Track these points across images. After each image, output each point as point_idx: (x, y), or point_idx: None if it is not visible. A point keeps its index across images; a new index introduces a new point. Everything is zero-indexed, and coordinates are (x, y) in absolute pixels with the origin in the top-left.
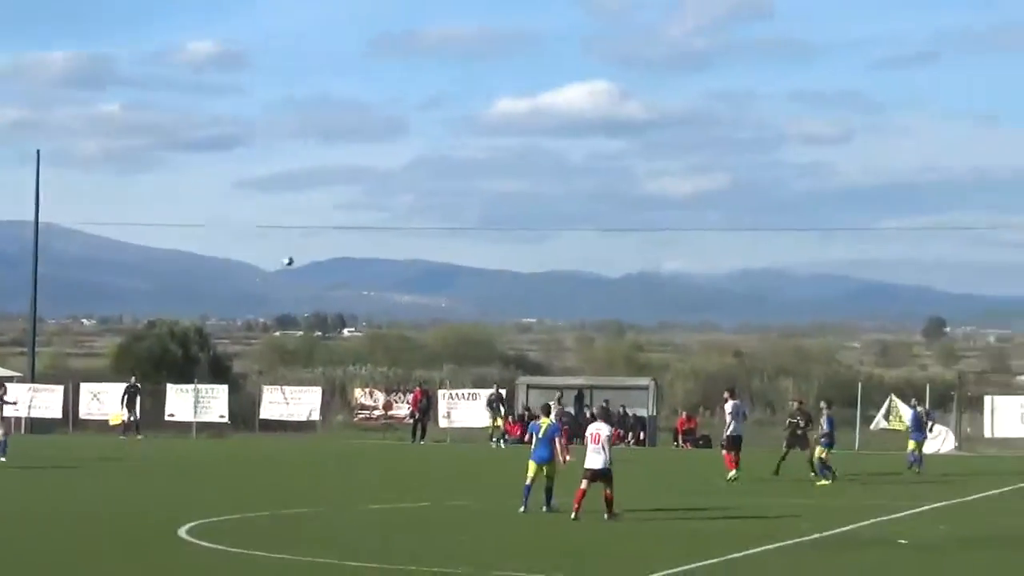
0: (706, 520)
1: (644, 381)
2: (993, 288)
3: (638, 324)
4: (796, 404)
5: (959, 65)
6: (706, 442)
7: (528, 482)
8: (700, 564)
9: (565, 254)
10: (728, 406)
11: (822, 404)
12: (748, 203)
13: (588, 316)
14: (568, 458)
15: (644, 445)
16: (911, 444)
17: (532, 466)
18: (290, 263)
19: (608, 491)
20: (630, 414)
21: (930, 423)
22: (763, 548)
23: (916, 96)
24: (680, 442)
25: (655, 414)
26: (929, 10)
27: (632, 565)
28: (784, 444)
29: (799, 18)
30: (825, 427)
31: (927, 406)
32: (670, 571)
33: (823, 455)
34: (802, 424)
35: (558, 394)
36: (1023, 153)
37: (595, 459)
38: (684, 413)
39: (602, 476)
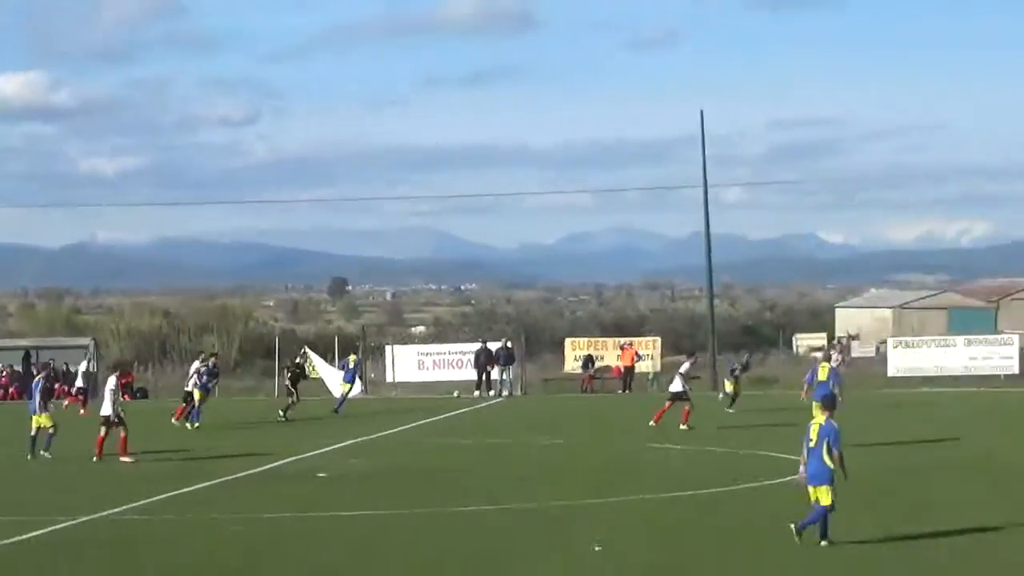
0: (157, 463)
1: (84, 341)
2: (386, 250)
3: (75, 290)
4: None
5: (346, 55)
6: (143, 394)
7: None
8: (147, 501)
9: (5, 229)
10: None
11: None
12: (170, 179)
13: (31, 284)
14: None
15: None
16: (345, 387)
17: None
18: None
19: (121, 435)
20: (72, 370)
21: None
22: (201, 485)
23: (311, 82)
24: (120, 396)
25: (95, 371)
26: (314, 7)
27: (92, 503)
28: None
29: (208, 13)
30: (205, 378)
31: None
32: (124, 507)
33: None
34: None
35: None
36: (403, 131)
37: (105, 407)
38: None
39: (105, 423)
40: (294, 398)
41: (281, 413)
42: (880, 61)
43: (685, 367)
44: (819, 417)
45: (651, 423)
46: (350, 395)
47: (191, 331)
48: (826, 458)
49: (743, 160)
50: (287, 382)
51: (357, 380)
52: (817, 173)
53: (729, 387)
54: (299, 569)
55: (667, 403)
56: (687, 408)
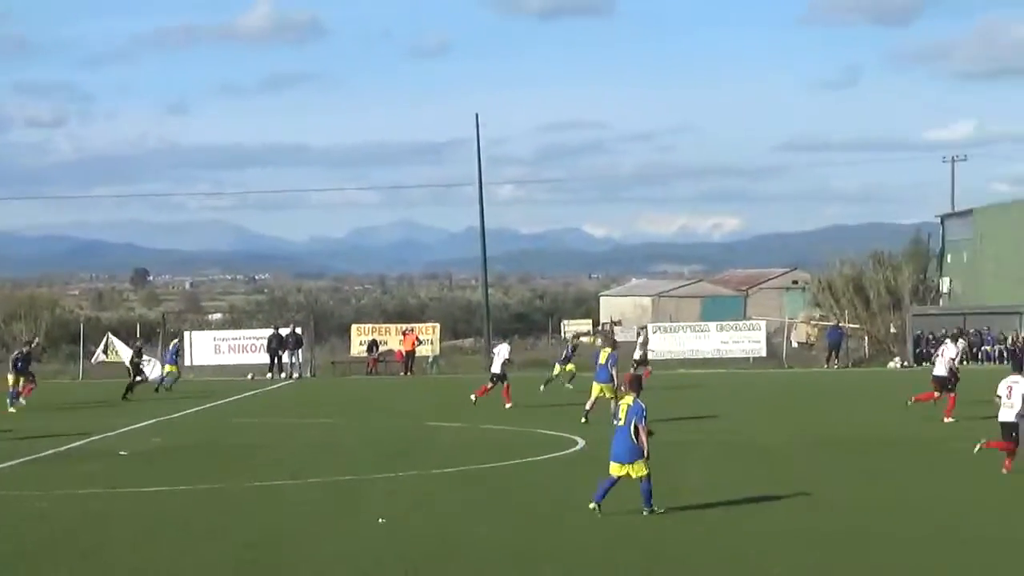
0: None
1: None
2: (186, 243)
3: None
4: (139, 344)
5: (150, 61)
6: None
7: None
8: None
9: None
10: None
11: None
12: None
13: None
14: None
15: None
16: (169, 368)
17: None
18: None
19: None
20: None
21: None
22: (8, 464)
23: (117, 86)
24: None
25: None
26: (121, 17)
27: None
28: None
29: (20, 20)
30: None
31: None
32: None
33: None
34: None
35: None
36: (202, 132)
37: None
38: None
39: None
40: (141, 377)
41: (129, 392)
42: (640, 68)
43: (507, 352)
44: (627, 398)
45: (507, 405)
46: (155, 376)
47: (0, 319)
48: (633, 437)
49: (515, 160)
50: (129, 365)
51: (153, 362)
52: (583, 172)
53: (557, 370)
54: (102, 543)
55: (492, 384)
56: (487, 387)
